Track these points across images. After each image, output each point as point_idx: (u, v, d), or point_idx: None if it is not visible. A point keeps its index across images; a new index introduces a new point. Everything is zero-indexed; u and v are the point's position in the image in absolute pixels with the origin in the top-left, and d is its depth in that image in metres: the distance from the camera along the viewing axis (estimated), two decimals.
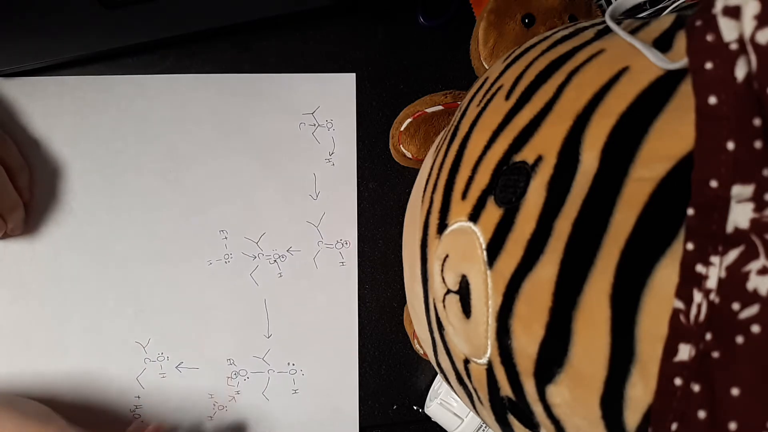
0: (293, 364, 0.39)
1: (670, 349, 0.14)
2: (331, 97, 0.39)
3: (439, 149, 0.25)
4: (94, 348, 0.38)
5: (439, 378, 0.39)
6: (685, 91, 0.15)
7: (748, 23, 0.13)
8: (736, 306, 0.13)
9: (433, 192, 0.23)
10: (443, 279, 0.21)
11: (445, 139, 0.24)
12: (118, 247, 0.38)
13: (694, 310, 0.13)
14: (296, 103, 0.38)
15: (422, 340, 0.26)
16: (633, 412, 0.15)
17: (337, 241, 0.39)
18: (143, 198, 0.38)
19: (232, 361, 0.38)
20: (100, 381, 0.38)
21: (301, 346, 0.39)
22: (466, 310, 0.20)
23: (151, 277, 0.38)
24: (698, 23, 0.14)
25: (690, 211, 0.14)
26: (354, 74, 0.39)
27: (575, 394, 0.16)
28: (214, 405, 0.38)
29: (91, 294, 0.38)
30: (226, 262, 0.38)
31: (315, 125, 0.39)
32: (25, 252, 0.37)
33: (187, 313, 0.38)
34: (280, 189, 0.38)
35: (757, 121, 0.13)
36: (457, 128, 0.23)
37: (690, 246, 0.13)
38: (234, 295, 0.38)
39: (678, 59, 0.15)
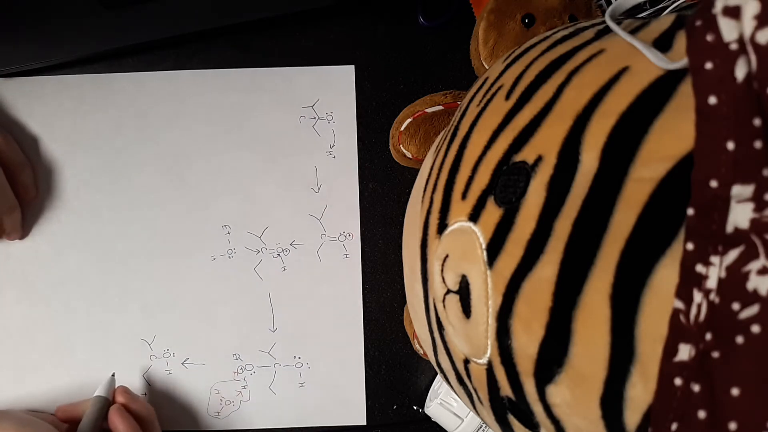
0: (299, 358, 0.39)
1: (670, 349, 0.14)
2: (331, 90, 0.39)
3: (439, 149, 0.25)
4: (100, 346, 0.38)
5: (439, 378, 0.39)
6: (685, 91, 0.15)
7: (748, 23, 0.13)
8: (736, 306, 0.13)
9: (433, 192, 0.23)
10: (443, 279, 0.21)
11: (445, 139, 0.24)
12: (122, 244, 0.38)
13: (694, 310, 0.13)
14: (296, 96, 0.38)
15: (422, 340, 0.26)
16: (633, 412, 0.15)
17: (340, 234, 0.39)
18: (145, 195, 0.38)
19: (238, 356, 0.38)
20: (106, 379, 0.38)
21: (306, 339, 0.39)
22: (466, 310, 0.20)
23: (155, 274, 0.38)
24: (698, 23, 0.14)
25: (690, 211, 0.14)
26: (353, 66, 0.39)
27: (575, 394, 0.16)
28: (221, 400, 0.38)
29: (95, 292, 0.38)
30: (229, 257, 0.38)
31: (315, 118, 0.39)
32: (28, 251, 0.37)
33: (191, 309, 0.38)
34: (282, 183, 0.39)
35: (757, 121, 0.13)
36: (457, 128, 0.23)
37: (690, 246, 0.13)
38: (238, 289, 0.38)
39: (678, 59, 0.15)
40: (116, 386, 0.35)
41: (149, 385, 0.38)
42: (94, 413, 0.33)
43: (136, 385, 0.38)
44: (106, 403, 0.34)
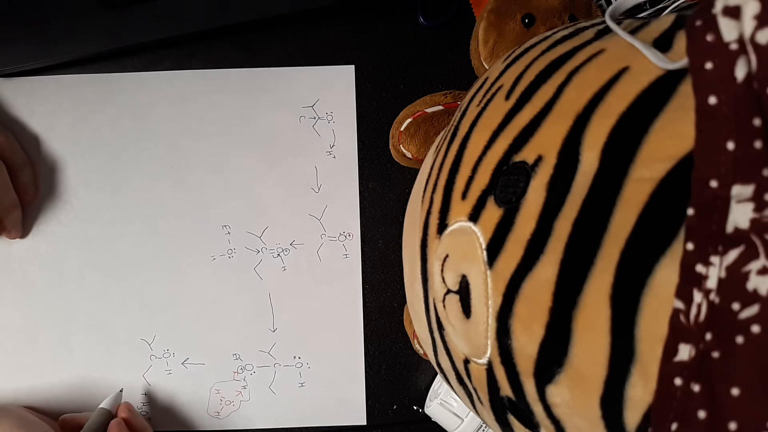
0: (299, 358, 0.39)
1: (670, 349, 0.14)
2: (331, 90, 0.39)
3: (439, 149, 0.25)
4: (100, 346, 0.38)
5: (439, 378, 0.39)
6: (685, 91, 0.15)
7: (748, 23, 0.13)
8: (736, 306, 0.13)
9: (433, 192, 0.23)
10: (443, 279, 0.21)
11: (445, 139, 0.24)
12: (122, 244, 0.38)
13: (694, 310, 0.13)
14: (296, 96, 0.38)
15: (422, 340, 0.26)
16: (633, 412, 0.15)
17: (340, 234, 0.39)
18: (145, 195, 0.38)
19: (238, 356, 0.38)
20: (107, 379, 0.38)
21: (306, 339, 0.39)
22: (466, 310, 0.20)
23: (155, 274, 0.38)
24: (698, 23, 0.14)
25: (690, 211, 0.14)
26: (353, 66, 0.39)
27: (575, 394, 0.16)
28: (221, 400, 0.38)
29: (95, 292, 0.38)
30: (229, 257, 0.38)
31: (315, 118, 0.39)
32: (29, 251, 0.37)
33: (191, 309, 0.38)
34: (282, 183, 0.39)
35: (757, 121, 0.13)
36: (457, 128, 0.23)
37: (690, 246, 0.13)
38: (238, 289, 0.38)
39: (678, 59, 0.15)
40: (122, 402, 0.36)
41: (149, 385, 0.38)
42: (94, 424, 0.33)
43: (136, 385, 0.38)
44: (109, 416, 0.34)
